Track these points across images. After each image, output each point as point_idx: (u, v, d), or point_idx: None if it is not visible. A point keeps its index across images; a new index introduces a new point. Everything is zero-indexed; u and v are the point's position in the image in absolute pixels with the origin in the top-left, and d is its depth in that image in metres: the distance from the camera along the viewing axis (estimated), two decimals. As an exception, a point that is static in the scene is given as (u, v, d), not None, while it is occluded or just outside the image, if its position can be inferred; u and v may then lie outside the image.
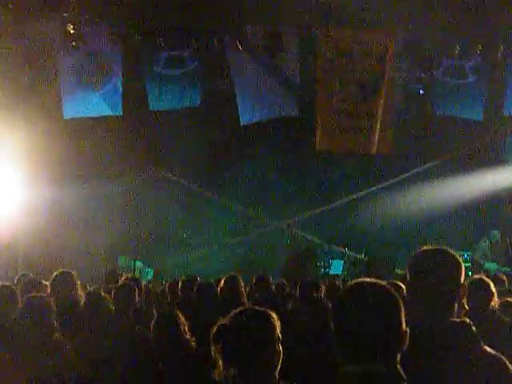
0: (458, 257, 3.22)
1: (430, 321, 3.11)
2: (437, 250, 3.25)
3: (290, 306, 7.33)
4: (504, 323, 5.66)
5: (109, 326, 6.29)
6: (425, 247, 3.27)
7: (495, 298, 5.92)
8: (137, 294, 7.07)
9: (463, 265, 3.22)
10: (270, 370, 3.19)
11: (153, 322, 5.75)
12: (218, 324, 3.27)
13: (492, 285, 5.92)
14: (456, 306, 3.16)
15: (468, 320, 3.13)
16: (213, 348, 3.20)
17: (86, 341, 5.88)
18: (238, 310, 3.34)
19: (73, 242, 15.21)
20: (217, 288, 7.55)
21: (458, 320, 3.11)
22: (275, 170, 16.98)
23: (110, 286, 8.14)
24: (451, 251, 3.24)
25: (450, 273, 3.16)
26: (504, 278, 8.46)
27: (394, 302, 2.61)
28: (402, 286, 5.99)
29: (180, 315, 5.67)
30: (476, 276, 6.19)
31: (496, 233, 15.05)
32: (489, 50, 14.08)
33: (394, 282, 6.17)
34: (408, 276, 3.29)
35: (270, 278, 8.96)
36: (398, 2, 12.29)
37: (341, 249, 16.31)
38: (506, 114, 14.61)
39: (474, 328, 3.10)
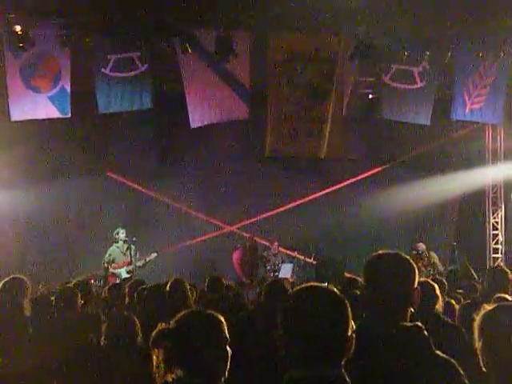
0: (411, 261, 3.25)
1: (383, 325, 3.12)
2: (391, 254, 3.27)
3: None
4: (449, 326, 5.72)
5: (52, 332, 6.20)
6: (379, 251, 3.29)
7: (440, 301, 5.99)
8: (79, 298, 7.02)
9: (416, 269, 3.24)
10: (217, 371, 3.17)
11: (104, 328, 5.68)
12: (159, 327, 3.23)
13: (437, 288, 5.98)
14: (409, 310, 3.18)
15: (420, 324, 3.15)
16: (154, 351, 3.17)
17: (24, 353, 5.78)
18: (182, 312, 3.31)
19: (20, 244, 15.07)
20: (165, 291, 7.52)
21: (410, 324, 3.13)
22: (226, 173, 16.96)
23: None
24: (405, 255, 3.26)
25: (403, 277, 3.18)
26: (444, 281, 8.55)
27: (340, 307, 2.62)
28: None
29: (135, 319, 5.62)
30: (421, 279, 6.24)
31: (421, 245, 15.28)
32: (436, 55, 14.27)
33: (340, 286, 6.19)
34: (362, 280, 3.30)
35: (224, 280, 8.97)
36: (347, 7, 12.35)
37: (290, 252, 16.37)
38: (454, 118, 14.83)
39: (425, 332, 3.12)
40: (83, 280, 10.25)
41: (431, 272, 14.47)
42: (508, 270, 6.90)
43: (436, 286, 5.96)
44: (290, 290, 7.44)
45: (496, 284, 6.63)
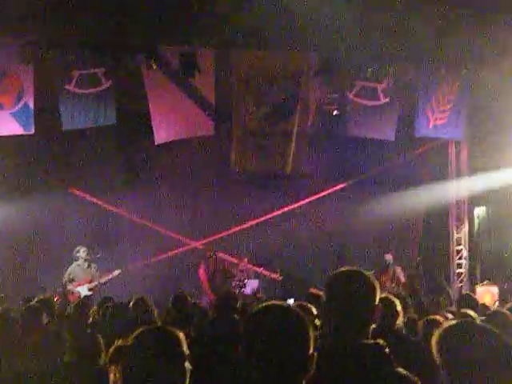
0: (372, 279, 3.26)
1: (344, 342, 3.12)
2: (351, 271, 3.28)
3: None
4: (410, 342, 5.74)
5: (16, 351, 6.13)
6: (340, 268, 3.29)
7: (400, 316, 6.00)
8: (44, 316, 6.94)
9: (377, 287, 3.25)
10: None
11: (68, 346, 5.63)
12: (116, 344, 3.20)
13: (398, 303, 6.00)
14: (370, 327, 3.19)
15: (381, 341, 3.15)
16: (112, 368, 3.13)
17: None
18: (140, 329, 3.28)
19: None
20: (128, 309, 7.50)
21: (371, 342, 3.13)
22: (191, 189, 16.92)
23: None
24: (366, 273, 3.27)
25: (364, 295, 3.19)
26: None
27: (302, 326, 2.60)
28: (311, 307, 6.05)
29: (99, 337, 5.57)
30: (382, 295, 6.25)
31: (388, 255, 15.40)
32: (400, 72, 14.42)
33: (304, 303, 6.17)
34: (324, 297, 3.30)
35: (188, 297, 8.93)
36: (312, 24, 12.42)
37: (256, 268, 16.36)
38: (417, 135, 14.96)
39: (387, 349, 3.12)
40: (47, 298, 10.13)
41: (394, 286, 14.57)
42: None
43: (397, 302, 5.97)
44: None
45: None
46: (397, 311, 5.87)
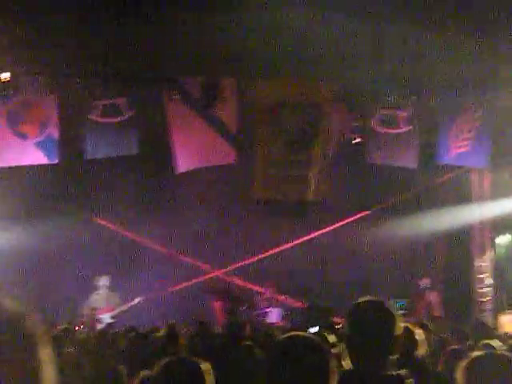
0: (392, 309, 3.25)
1: (364, 373, 3.11)
2: (372, 302, 3.27)
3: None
4: (431, 373, 5.66)
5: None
6: (361, 299, 3.29)
7: (422, 346, 5.92)
8: (66, 345, 6.96)
9: (398, 317, 3.24)
10: None
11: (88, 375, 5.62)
12: (141, 375, 3.22)
13: (419, 333, 5.93)
14: (390, 358, 3.17)
15: (404, 372, 3.13)
16: None
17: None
18: (166, 359, 3.29)
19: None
20: (155, 337, 7.48)
21: (393, 373, 3.11)
22: (213, 217, 16.93)
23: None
24: (386, 303, 3.25)
25: (384, 325, 3.18)
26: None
27: (324, 357, 2.60)
28: (329, 335, 6.01)
29: (122, 367, 5.54)
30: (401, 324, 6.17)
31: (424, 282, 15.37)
32: (422, 100, 14.42)
33: (322, 332, 6.15)
34: (345, 328, 3.29)
35: (211, 325, 8.94)
36: (333, 52, 12.48)
37: (279, 297, 16.28)
38: (439, 162, 14.90)
39: (409, 381, 3.10)
40: (69, 326, 10.16)
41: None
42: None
43: (418, 331, 5.91)
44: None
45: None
46: (417, 341, 5.81)
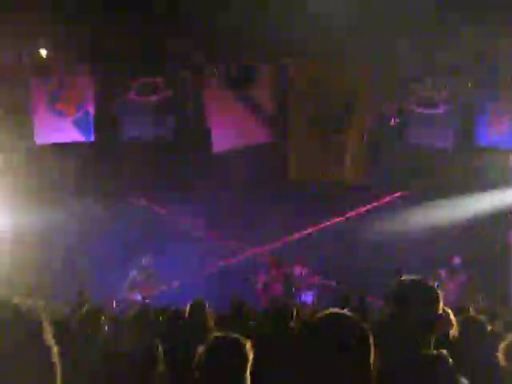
0: (435, 288, 3.22)
1: (406, 353, 3.09)
2: (416, 280, 3.24)
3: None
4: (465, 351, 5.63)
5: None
6: (403, 278, 3.26)
7: (454, 327, 5.89)
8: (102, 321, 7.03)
9: (440, 296, 3.21)
10: None
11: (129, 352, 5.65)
12: (199, 351, 3.29)
13: (451, 313, 5.90)
14: (433, 337, 3.15)
15: (445, 352, 3.11)
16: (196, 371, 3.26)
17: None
18: (212, 338, 3.36)
19: (40, 260, 15.16)
20: (184, 314, 7.50)
21: (435, 352, 3.09)
22: (249, 197, 16.95)
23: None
24: (429, 282, 3.23)
25: (428, 304, 3.16)
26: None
27: (364, 335, 2.58)
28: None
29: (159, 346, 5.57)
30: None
31: (456, 260, 15.24)
32: (459, 82, 14.28)
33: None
34: (386, 307, 3.27)
35: (246, 305, 8.95)
36: (370, 34, 12.40)
37: (312, 277, 16.28)
38: (476, 144, 14.76)
39: (450, 360, 3.08)
40: (103, 304, 10.24)
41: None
42: None
43: (449, 311, 5.88)
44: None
45: None
46: (451, 321, 5.77)
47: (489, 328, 6.49)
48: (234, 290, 15.46)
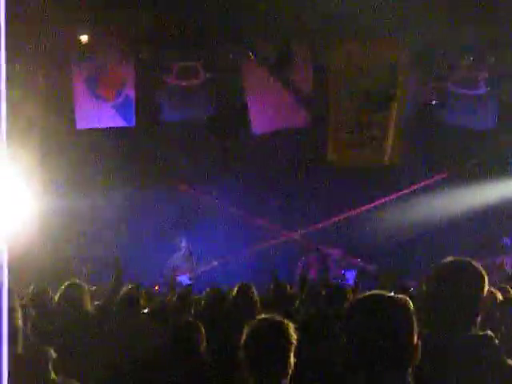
0: (481, 268, 3.22)
1: (452, 333, 3.10)
2: (461, 261, 3.25)
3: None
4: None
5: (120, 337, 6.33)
6: (448, 258, 3.27)
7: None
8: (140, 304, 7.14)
9: (485, 276, 3.21)
10: (284, 378, 3.27)
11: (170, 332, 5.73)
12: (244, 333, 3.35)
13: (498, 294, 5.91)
14: (478, 318, 3.15)
15: (490, 332, 3.12)
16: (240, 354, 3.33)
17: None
18: (256, 320, 3.41)
19: (82, 250, 15.32)
20: (229, 297, 7.55)
21: (481, 333, 3.10)
22: (287, 180, 16.98)
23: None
24: (475, 263, 3.23)
25: (474, 284, 3.16)
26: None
27: (406, 315, 2.58)
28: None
29: (200, 325, 5.63)
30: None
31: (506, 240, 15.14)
32: (500, 60, 14.08)
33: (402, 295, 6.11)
34: (430, 287, 3.28)
35: (288, 287, 8.99)
36: (407, 12, 12.29)
37: (353, 259, 16.30)
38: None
39: (496, 341, 3.09)
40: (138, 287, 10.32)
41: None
42: None
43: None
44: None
45: None
46: (497, 303, 5.79)
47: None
48: (271, 273, 15.52)
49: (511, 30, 12.96)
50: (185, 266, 14.84)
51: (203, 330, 5.63)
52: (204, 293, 8.25)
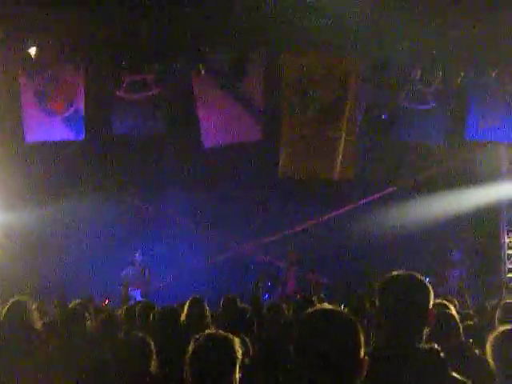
0: (426, 282, 3.22)
1: (398, 346, 3.09)
2: (406, 274, 3.24)
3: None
4: (466, 348, 5.64)
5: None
6: (394, 272, 3.26)
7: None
8: (86, 319, 7.00)
9: (431, 290, 3.21)
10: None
11: (119, 348, 5.62)
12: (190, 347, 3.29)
13: (452, 308, 5.93)
14: (424, 331, 3.15)
15: (436, 346, 3.11)
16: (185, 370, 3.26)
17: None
18: (200, 335, 3.35)
19: (33, 263, 15.14)
20: (180, 312, 7.46)
21: (426, 346, 3.09)
22: (239, 194, 16.95)
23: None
24: (420, 276, 3.23)
25: (419, 298, 3.16)
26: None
27: (352, 329, 2.56)
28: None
29: (151, 341, 5.52)
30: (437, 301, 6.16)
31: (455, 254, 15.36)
32: (449, 75, 14.27)
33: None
34: (377, 301, 3.27)
35: (238, 301, 8.91)
36: (360, 28, 12.40)
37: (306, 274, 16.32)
38: (468, 138, 14.76)
39: (442, 354, 3.08)
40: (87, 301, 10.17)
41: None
42: None
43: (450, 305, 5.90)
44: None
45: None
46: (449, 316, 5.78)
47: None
48: (225, 284, 15.49)
49: (460, 44, 13.17)
50: (138, 281, 14.69)
51: (153, 345, 5.53)
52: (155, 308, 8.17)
